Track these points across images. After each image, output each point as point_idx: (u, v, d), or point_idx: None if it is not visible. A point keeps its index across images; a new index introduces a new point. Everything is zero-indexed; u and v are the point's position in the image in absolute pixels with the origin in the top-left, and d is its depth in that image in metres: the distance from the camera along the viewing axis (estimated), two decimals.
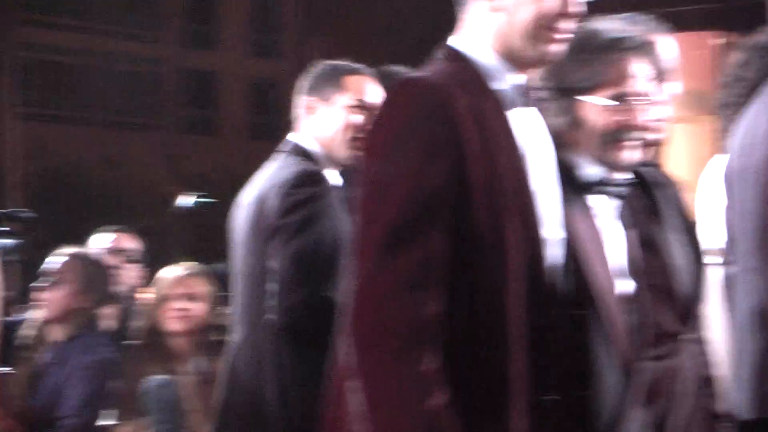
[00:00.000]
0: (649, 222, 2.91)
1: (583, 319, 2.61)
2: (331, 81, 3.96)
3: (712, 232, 3.66)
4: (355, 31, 25.22)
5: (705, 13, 16.54)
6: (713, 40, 16.25)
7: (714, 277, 3.61)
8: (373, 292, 2.32)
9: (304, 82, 4.04)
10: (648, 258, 2.84)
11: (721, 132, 3.90)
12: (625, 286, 2.72)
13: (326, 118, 3.93)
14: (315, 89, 3.99)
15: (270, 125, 28.35)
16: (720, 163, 3.60)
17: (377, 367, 2.30)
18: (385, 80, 3.94)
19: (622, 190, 2.78)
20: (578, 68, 2.74)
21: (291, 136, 4.00)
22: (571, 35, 2.51)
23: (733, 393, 3.04)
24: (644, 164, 2.96)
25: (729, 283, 3.34)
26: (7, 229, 6.23)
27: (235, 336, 3.95)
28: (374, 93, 3.91)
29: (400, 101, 2.44)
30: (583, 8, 2.52)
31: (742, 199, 3.12)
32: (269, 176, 3.90)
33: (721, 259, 3.48)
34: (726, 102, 3.88)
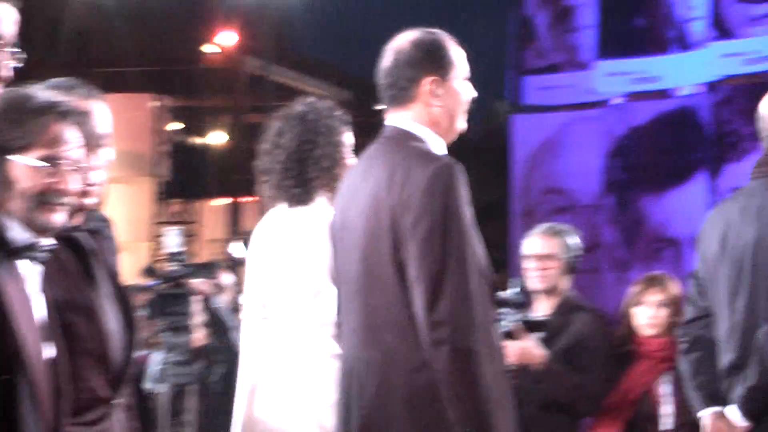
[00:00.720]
0: (83, 287, 2.92)
1: (10, 385, 2.57)
2: None
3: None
4: None
5: (143, 76, 16.82)
6: (151, 102, 16.66)
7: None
8: None
9: None
10: (81, 323, 2.85)
11: (266, 194, 4.09)
12: (50, 351, 2.71)
13: None
14: None
15: None
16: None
17: None
18: None
19: (45, 255, 2.77)
20: (8, 128, 2.71)
21: None
22: None
23: None
24: (77, 229, 2.97)
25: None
26: None
27: None
28: None
29: None
30: (11, 72, 2.51)
31: (345, 249, 3.28)
32: None
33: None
34: (267, 168, 4.07)
